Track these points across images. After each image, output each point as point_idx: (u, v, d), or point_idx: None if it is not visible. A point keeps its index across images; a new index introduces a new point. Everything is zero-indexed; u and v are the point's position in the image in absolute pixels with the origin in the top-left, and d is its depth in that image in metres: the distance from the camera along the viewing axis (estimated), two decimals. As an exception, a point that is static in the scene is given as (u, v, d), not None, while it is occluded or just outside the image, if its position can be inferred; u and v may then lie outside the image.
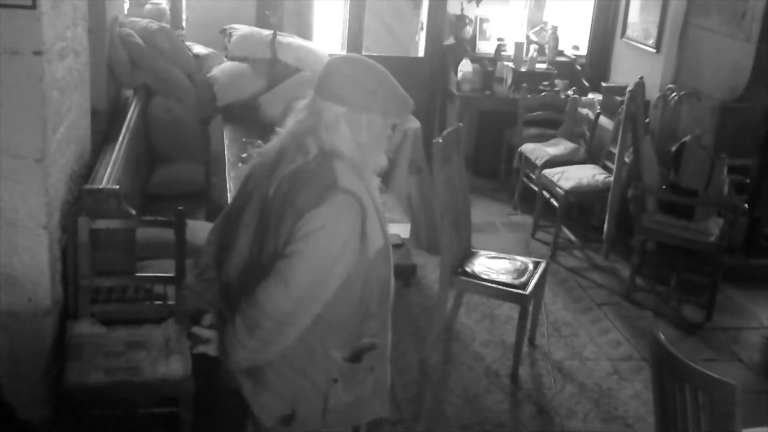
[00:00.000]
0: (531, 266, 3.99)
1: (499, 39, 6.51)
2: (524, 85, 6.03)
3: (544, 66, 6.49)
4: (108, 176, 3.40)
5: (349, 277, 1.94)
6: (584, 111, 5.96)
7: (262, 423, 2.07)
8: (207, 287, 2.17)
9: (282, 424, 2.06)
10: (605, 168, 5.45)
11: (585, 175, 5.31)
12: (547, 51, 6.56)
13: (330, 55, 5.51)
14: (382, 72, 2.01)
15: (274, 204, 1.94)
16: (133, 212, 3.19)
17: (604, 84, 6.23)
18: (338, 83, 1.96)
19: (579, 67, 6.62)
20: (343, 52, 6.46)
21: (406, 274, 3.29)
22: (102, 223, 3.06)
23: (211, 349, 2.07)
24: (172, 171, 4.71)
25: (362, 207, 1.92)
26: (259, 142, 3.87)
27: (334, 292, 1.93)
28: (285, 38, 5.36)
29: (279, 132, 2.07)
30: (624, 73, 6.31)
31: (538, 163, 5.57)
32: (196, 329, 2.10)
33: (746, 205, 4.72)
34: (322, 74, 2.00)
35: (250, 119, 4.94)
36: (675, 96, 5.41)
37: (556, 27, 6.58)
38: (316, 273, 1.89)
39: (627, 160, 5.01)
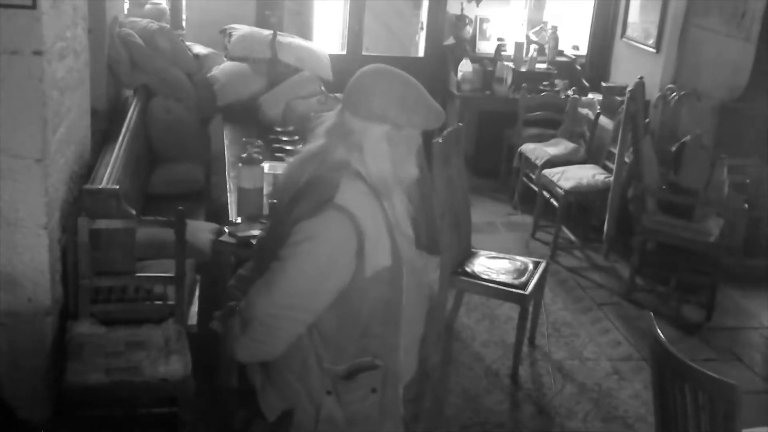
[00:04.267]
0: (531, 266, 3.99)
1: (499, 39, 6.52)
2: (524, 85, 6.03)
3: (544, 66, 6.49)
4: (108, 176, 3.40)
5: (343, 294, 1.94)
6: (584, 111, 5.96)
7: (265, 416, 2.12)
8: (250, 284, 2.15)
9: (282, 421, 2.09)
10: (605, 168, 5.45)
11: (585, 175, 5.31)
12: (547, 51, 6.56)
13: (330, 55, 5.55)
14: (416, 84, 2.00)
15: (286, 209, 1.98)
16: (133, 212, 3.19)
17: (604, 84, 6.23)
18: (379, 103, 1.92)
19: (579, 67, 6.62)
20: (343, 52, 6.46)
21: (406, 274, 3.29)
22: (102, 223, 3.06)
23: (225, 337, 2.11)
24: (172, 171, 4.71)
25: (357, 227, 1.90)
26: (259, 141, 3.86)
27: (329, 305, 1.94)
28: (285, 38, 5.36)
29: (307, 147, 2.06)
30: (624, 73, 6.31)
31: (538, 163, 5.58)
32: (214, 323, 2.15)
33: (746, 205, 4.73)
34: (357, 92, 1.96)
35: (250, 119, 4.94)
36: (675, 96, 5.41)
37: (556, 27, 6.58)
38: (298, 282, 1.90)
39: (627, 160, 5.01)
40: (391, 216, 1.99)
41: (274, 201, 2.92)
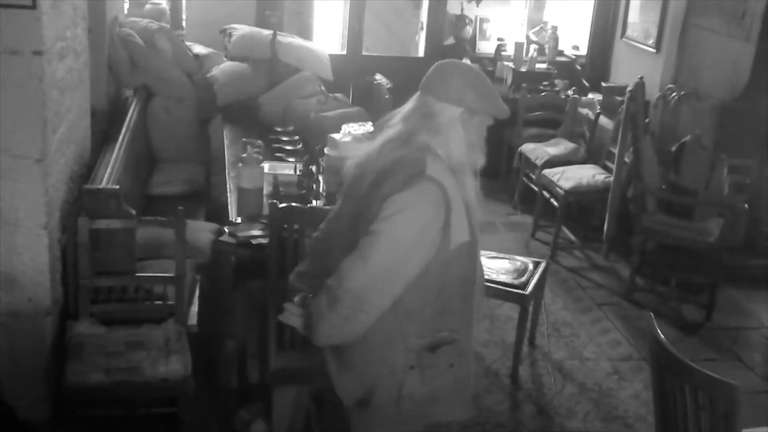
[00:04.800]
0: (531, 266, 3.99)
1: (499, 39, 6.52)
2: (524, 85, 6.03)
3: (544, 66, 6.49)
4: (108, 176, 3.40)
5: (428, 266, 2.03)
6: (584, 111, 5.97)
7: (342, 402, 2.18)
8: (316, 276, 2.21)
9: (359, 406, 2.16)
10: (605, 168, 5.45)
11: (585, 175, 5.31)
12: (547, 51, 6.56)
13: (330, 55, 5.55)
14: (486, 77, 2.17)
15: (369, 189, 2.06)
16: (133, 212, 3.19)
17: (604, 84, 6.24)
18: (456, 86, 2.08)
19: (579, 67, 6.63)
20: (343, 52, 6.46)
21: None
22: (102, 223, 3.06)
23: (298, 324, 2.17)
24: (172, 171, 4.71)
25: (447, 198, 2.01)
26: (259, 142, 3.86)
27: (415, 279, 2.02)
28: (285, 38, 5.36)
29: (383, 131, 2.17)
30: (624, 73, 6.31)
31: (538, 163, 5.57)
32: (287, 305, 2.20)
33: (746, 205, 4.72)
34: (437, 77, 2.12)
35: (250, 119, 4.94)
36: (675, 96, 5.41)
37: (556, 27, 6.59)
38: (393, 253, 1.99)
39: (627, 160, 5.01)
40: (467, 191, 2.12)
41: (274, 201, 2.92)
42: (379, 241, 1.98)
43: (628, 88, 4.94)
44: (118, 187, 3.22)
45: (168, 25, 5.42)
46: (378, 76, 5.31)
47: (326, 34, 6.60)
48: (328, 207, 3.11)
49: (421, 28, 6.76)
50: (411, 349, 2.09)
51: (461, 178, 2.11)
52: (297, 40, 5.44)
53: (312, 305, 2.09)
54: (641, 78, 5.01)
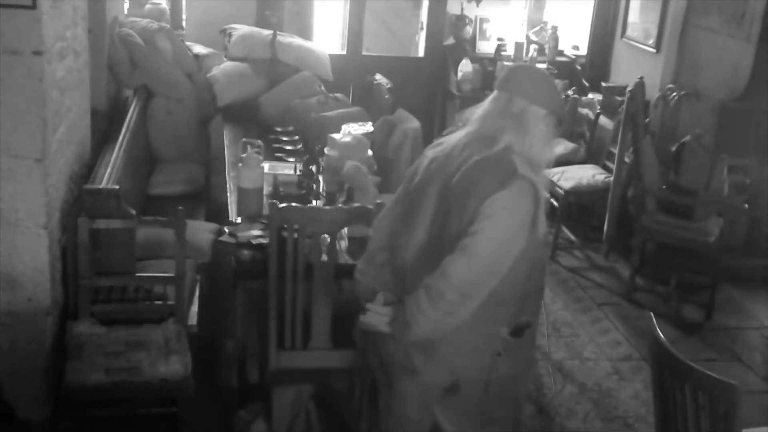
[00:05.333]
0: (531, 266, 3.98)
1: (499, 39, 6.51)
2: (524, 85, 6.02)
3: (544, 66, 6.47)
4: (108, 176, 3.40)
5: (519, 256, 2.19)
6: (584, 111, 5.96)
7: (429, 394, 2.32)
8: (380, 270, 2.40)
9: (447, 394, 2.30)
10: (605, 168, 5.45)
11: (585, 175, 5.30)
12: (547, 51, 6.56)
13: (330, 55, 5.55)
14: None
15: (458, 189, 2.19)
16: (133, 212, 3.19)
17: (604, 84, 6.23)
18: (545, 89, 2.28)
19: (579, 67, 6.62)
20: (344, 53, 6.46)
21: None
22: (102, 223, 3.06)
23: (383, 325, 2.27)
24: (172, 171, 4.71)
25: (537, 194, 2.17)
26: (259, 142, 3.86)
27: (508, 270, 2.18)
28: (285, 38, 5.35)
29: (461, 127, 2.33)
30: (624, 73, 6.30)
31: (538, 163, 5.56)
32: (370, 305, 2.29)
33: (746, 205, 4.72)
34: (527, 79, 2.28)
35: (250, 119, 4.94)
36: (675, 96, 5.40)
37: (556, 27, 6.58)
38: (495, 250, 2.14)
39: (627, 160, 5.01)
40: (543, 185, 2.25)
41: (274, 201, 2.91)
42: (482, 239, 2.12)
43: (628, 88, 4.94)
44: (118, 187, 3.22)
45: (168, 25, 5.41)
46: (378, 76, 5.31)
47: (326, 34, 6.59)
48: (328, 207, 3.11)
49: (421, 28, 6.75)
50: (497, 336, 2.27)
51: (539, 173, 2.24)
52: (297, 40, 5.44)
53: (408, 303, 2.18)
54: (641, 78, 5.01)
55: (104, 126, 4.24)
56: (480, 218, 2.13)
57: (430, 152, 2.37)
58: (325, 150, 3.74)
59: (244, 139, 3.88)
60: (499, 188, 2.13)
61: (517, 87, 2.25)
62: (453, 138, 2.32)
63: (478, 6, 6.49)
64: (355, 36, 6.48)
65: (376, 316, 2.28)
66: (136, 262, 3.28)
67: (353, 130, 3.88)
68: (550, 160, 2.33)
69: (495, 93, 2.29)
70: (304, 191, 3.53)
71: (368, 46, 6.64)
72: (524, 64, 2.31)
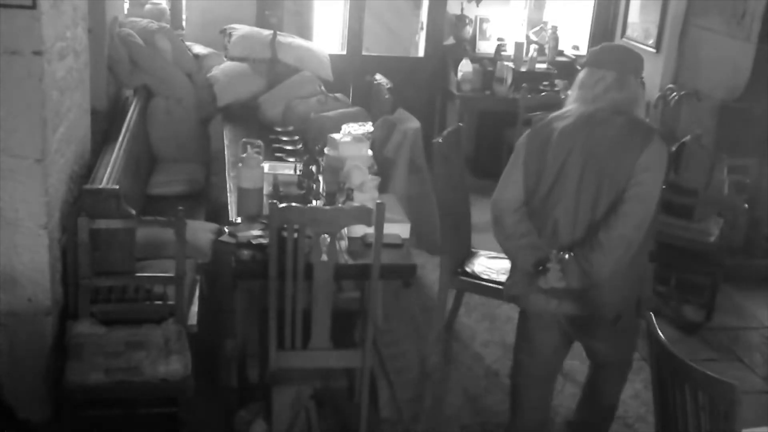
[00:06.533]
0: (531, 266, 3.98)
1: (499, 39, 6.51)
2: (524, 85, 6.02)
3: (544, 66, 6.48)
4: (108, 176, 3.40)
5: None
6: (584, 111, 5.95)
7: (604, 318, 2.80)
8: (531, 237, 2.77)
9: (611, 322, 2.80)
10: (605, 168, 5.43)
11: (585, 175, 5.29)
12: (547, 51, 6.56)
13: (330, 55, 5.55)
14: None
15: (607, 156, 2.63)
16: (133, 212, 3.19)
17: (604, 84, 6.22)
18: (636, 61, 2.81)
19: (579, 67, 6.60)
20: (344, 53, 6.46)
21: (406, 274, 3.29)
22: (102, 223, 3.06)
23: (561, 279, 2.70)
24: (172, 171, 4.71)
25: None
26: (259, 142, 3.86)
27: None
28: (285, 38, 5.36)
29: (575, 100, 2.80)
30: (624, 73, 6.29)
31: (538, 163, 5.56)
32: (551, 265, 2.69)
33: (746, 205, 4.72)
34: (631, 58, 2.81)
35: (250, 119, 4.94)
36: (675, 96, 5.40)
37: (556, 27, 6.58)
38: (651, 201, 2.65)
39: (627, 160, 5.00)
40: None
41: (274, 201, 2.91)
42: (638, 198, 2.61)
43: (628, 88, 4.93)
44: (118, 187, 3.22)
45: (168, 25, 5.41)
46: (378, 76, 5.31)
47: (326, 34, 6.59)
48: (328, 207, 3.11)
49: (421, 28, 6.75)
50: (640, 275, 2.91)
51: None
52: (297, 40, 5.44)
53: (593, 256, 2.64)
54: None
55: (104, 126, 4.24)
56: (635, 177, 2.60)
57: (557, 124, 2.75)
58: (325, 150, 3.74)
59: (244, 139, 3.88)
60: (642, 150, 2.60)
61: (630, 66, 2.77)
62: (573, 111, 2.75)
63: (478, 6, 6.50)
64: (355, 36, 6.48)
65: (557, 272, 2.68)
66: (136, 262, 3.28)
67: (353, 130, 3.88)
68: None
69: (601, 71, 2.73)
70: (304, 191, 3.53)
71: (368, 46, 6.64)
72: (623, 45, 3.03)
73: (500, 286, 3.77)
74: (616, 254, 2.63)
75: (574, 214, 2.68)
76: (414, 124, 4.48)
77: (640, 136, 2.63)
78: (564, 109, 2.82)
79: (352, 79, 6.02)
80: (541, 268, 2.71)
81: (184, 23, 6.01)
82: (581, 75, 2.82)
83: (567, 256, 2.69)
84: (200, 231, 3.70)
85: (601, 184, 2.64)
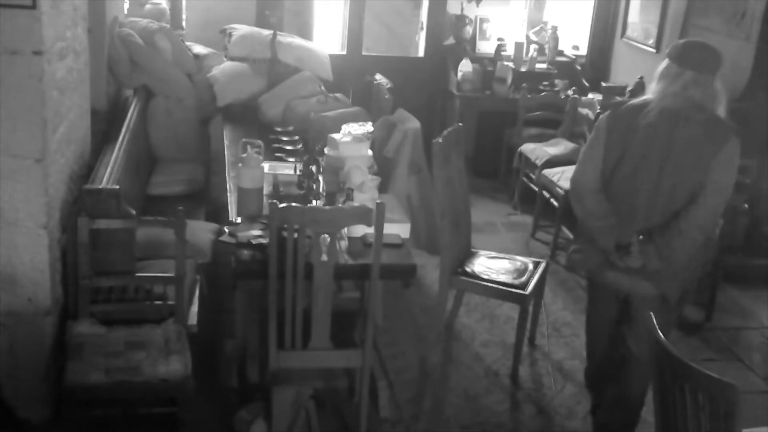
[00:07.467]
0: (531, 266, 3.99)
1: (499, 39, 6.52)
2: (524, 85, 6.03)
3: (544, 66, 6.49)
4: (108, 176, 3.40)
5: None
6: (584, 111, 5.96)
7: (670, 300, 3.04)
8: (612, 221, 3.00)
9: (679, 305, 3.14)
10: (605, 168, 5.43)
11: (585, 175, 5.29)
12: (547, 51, 6.56)
13: (330, 55, 5.55)
14: None
15: (688, 151, 2.85)
16: (133, 212, 3.19)
17: (604, 84, 6.23)
18: (716, 61, 2.91)
19: (579, 67, 6.62)
20: (344, 53, 6.47)
21: (406, 274, 3.29)
22: (102, 223, 3.06)
23: (640, 261, 2.97)
24: (172, 171, 4.71)
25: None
26: (259, 142, 3.86)
27: None
28: (285, 38, 5.36)
29: (656, 92, 2.92)
30: (624, 73, 6.31)
31: (538, 163, 5.57)
32: (633, 248, 2.95)
33: (746, 205, 4.72)
34: (714, 57, 2.90)
35: (250, 119, 4.94)
36: (675, 96, 5.39)
37: (556, 27, 6.58)
38: (726, 195, 2.90)
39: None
40: None
41: (274, 201, 2.91)
42: (715, 190, 2.85)
43: (628, 88, 4.94)
44: (118, 187, 3.22)
45: (168, 25, 5.41)
46: (378, 76, 5.32)
47: (326, 34, 6.59)
48: (328, 207, 3.11)
49: (421, 28, 6.76)
50: (701, 261, 3.24)
51: None
52: (297, 40, 5.44)
53: (675, 243, 2.90)
54: (641, 78, 5.01)
55: (104, 126, 4.24)
56: (713, 171, 2.82)
57: (640, 115, 2.90)
58: (325, 150, 3.74)
59: (244, 139, 3.88)
60: (722, 144, 2.81)
61: (709, 66, 2.87)
62: (655, 103, 2.89)
63: (478, 6, 6.50)
64: (355, 36, 6.49)
65: (636, 254, 2.94)
66: (136, 262, 3.28)
67: (353, 130, 3.88)
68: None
69: (681, 68, 2.86)
70: (304, 191, 3.53)
71: (368, 46, 6.65)
72: (698, 43, 2.99)
73: (500, 286, 3.79)
74: (695, 241, 2.91)
75: (653, 201, 2.92)
76: (414, 124, 4.48)
77: (719, 134, 2.83)
78: (644, 98, 3.00)
79: (352, 79, 6.02)
80: (622, 248, 2.97)
81: (184, 23, 6.01)
82: (662, 67, 2.95)
83: (647, 240, 2.94)
84: (200, 231, 3.70)
85: (680, 177, 2.87)
